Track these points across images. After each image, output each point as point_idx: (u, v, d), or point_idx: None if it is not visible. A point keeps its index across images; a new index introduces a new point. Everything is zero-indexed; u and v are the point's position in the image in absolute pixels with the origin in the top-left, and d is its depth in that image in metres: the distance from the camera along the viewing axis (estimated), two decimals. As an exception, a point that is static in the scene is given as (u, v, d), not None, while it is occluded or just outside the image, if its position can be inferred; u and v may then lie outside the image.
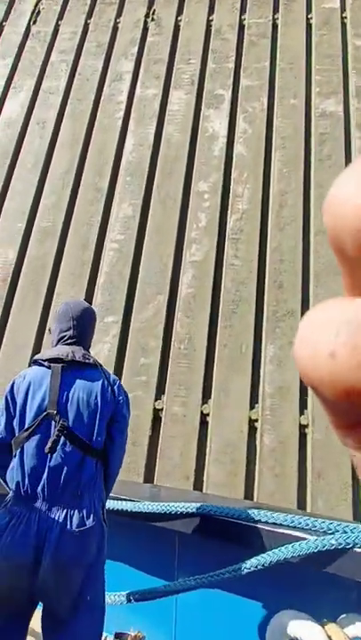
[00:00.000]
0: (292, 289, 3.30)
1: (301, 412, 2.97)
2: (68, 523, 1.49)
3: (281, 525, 1.65)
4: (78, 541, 1.48)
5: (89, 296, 3.52)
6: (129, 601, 1.76)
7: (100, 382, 1.67)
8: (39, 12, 4.87)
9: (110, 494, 2.00)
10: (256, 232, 3.52)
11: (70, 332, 1.75)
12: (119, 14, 4.76)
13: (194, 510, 1.80)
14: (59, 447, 1.54)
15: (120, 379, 3.22)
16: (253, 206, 3.62)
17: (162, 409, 3.11)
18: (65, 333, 1.76)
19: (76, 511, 1.51)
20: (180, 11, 4.64)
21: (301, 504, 2.78)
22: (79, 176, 3.99)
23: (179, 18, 4.60)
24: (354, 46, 4.14)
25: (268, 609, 1.67)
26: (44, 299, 3.52)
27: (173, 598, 1.79)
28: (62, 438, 1.55)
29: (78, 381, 1.65)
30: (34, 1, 4.94)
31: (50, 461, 1.55)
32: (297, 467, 2.84)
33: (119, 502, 1.95)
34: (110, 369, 3.25)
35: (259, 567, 1.54)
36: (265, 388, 3.05)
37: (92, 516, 1.52)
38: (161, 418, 3.09)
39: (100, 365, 1.74)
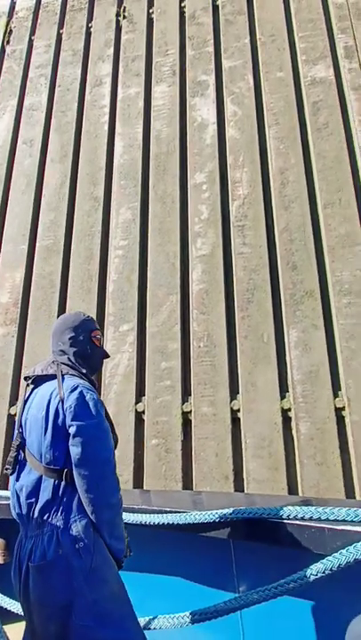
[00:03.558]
0: (308, 268, 3.16)
1: (336, 395, 2.84)
2: (33, 555, 1.35)
3: (344, 522, 1.52)
4: (39, 578, 1.33)
5: (100, 307, 3.47)
6: (192, 622, 1.67)
7: (50, 392, 1.51)
8: (11, 30, 4.85)
9: (154, 507, 1.93)
10: (261, 215, 3.39)
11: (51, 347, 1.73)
12: (90, 18, 4.68)
13: (245, 515, 1.70)
14: (20, 467, 1.48)
15: (143, 386, 3.17)
16: (254, 189, 3.48)
17: (190, 411, 3.02)
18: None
19: (40, 541, 1.36)
20: (150, 3, 4.53)
21: (349, 490, 2.65)
22: (74, 188, 3.95)
23: (150, 10, 4.49)
24: (335, 5, 3.93)
25: (343, 614, 1.55)
26: (57, 316, 3.48)
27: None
28: (22, 458, 1.49)
29: (35, 397, 1.57)
30: (4, 21, 4.92)
31: (15, 483, 1.48)
32: (339, 452, 2.71)
33: (165, 516, 1.86)
34: (132, 377, 3.19)
35: (327, 572, 1.41)
36: (293, 375, 2.93)
37: (52, 547, 1.34)
38: (191, 420, 3.01)
39: (66, 373, 1.56)
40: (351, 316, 2.97)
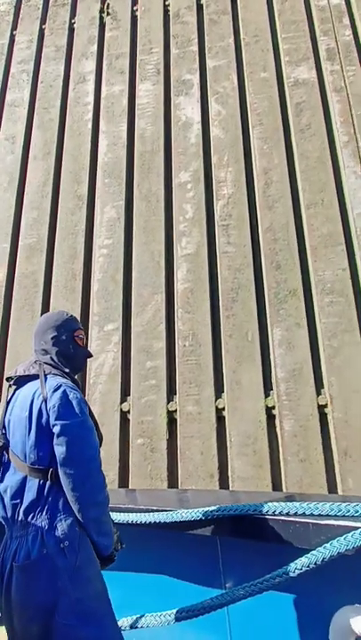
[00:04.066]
0: (291, 267, 3.20)
1: (318, 392, 2.88)
2: (17, 555, 1.34)
3: (328, 517, 1.54)
4: (23, 578, 1.32)
5: (85, 306, 3.45)
6: (177, 620, 1.68)
7: (33, 392, 1.50)
8: (-8, 24, 4.76)
9: (141, 506, 1.93)
10: (245, 215, 3.41)
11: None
12: (73, 14, 4.63)
13: (230, 512, 1.72)
14: (5, 469, 1.48)
15: (128, 385, 3.16)
16: (238, 189, 3.51)
17: (176, 410, 3.03)
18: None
19: (25, 541, 1.35)
20: (134, 0, 4.50)
21: (332, 486, 2.70)
22: (57, 186, 3.90)
23: (134, 8, 4.46)
24: (318, 8, 3.98)
25: (327, 606, 1.58)
26: (40, 316, 3.44)
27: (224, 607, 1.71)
28: (6, 459, 1.49)
29: (18, 397, 1.57)
30: (-15, 15, 4.82)
31: (0, 484, 1.48)
32: (321, 449, 2.76)
33: (151, 514, 1.86)
34: (117, 377, 3.18)
35: (311, 566, 1.44)
36: (277, 374, 2.96)
37: (36, 547, 1.33)
38: (176, 419, 3.01)
39: (48, 372, 1.55)
40: (333, 315, 3.02)
